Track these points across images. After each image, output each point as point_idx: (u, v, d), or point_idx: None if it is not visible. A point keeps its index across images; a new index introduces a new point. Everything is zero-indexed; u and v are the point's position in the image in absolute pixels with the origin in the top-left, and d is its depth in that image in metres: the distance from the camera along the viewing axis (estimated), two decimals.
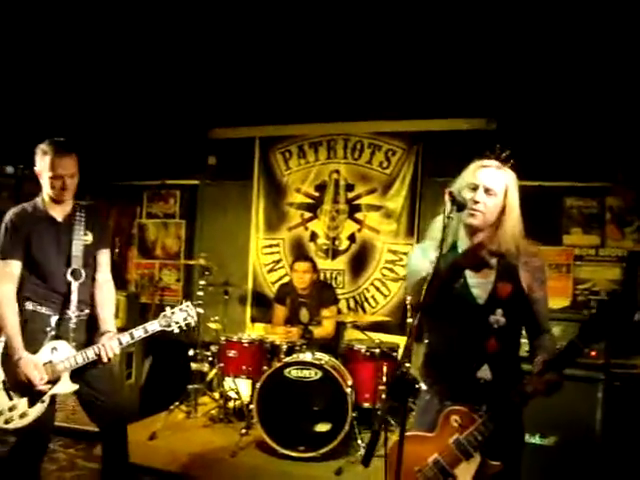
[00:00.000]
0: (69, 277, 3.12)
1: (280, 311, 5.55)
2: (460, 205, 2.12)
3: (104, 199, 6.80)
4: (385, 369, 4.66)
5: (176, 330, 3.16)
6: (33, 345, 3.03)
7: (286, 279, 5.98)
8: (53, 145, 3.11)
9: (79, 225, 3.19)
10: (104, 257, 3.33)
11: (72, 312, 3.11)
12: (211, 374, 5.37)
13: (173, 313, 3.16)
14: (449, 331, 2.26)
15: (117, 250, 6.91)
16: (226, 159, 6.48)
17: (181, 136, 6.34)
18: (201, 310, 5.31)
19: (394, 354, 4.84)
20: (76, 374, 3.08)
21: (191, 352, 5.31)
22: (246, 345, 4.91)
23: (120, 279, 6.72)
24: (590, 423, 3.64)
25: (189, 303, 3.24)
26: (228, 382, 5.27)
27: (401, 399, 1.84)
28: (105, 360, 3.06)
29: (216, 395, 5.34)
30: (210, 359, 5.28)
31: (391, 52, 5.02)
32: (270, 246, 6.35)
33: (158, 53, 5.25)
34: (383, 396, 4.51)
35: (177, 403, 5.11)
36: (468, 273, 2.25)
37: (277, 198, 6.32)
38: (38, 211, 3.18)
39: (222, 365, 5.05)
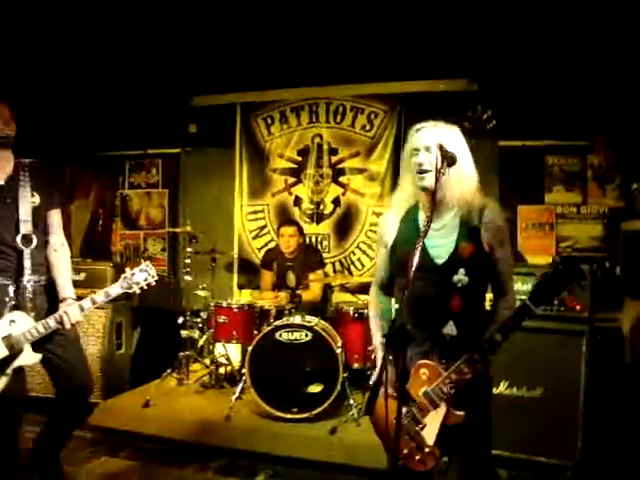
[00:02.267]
0: (19, 243, 2.98)
1: (267, 276, 5.58)
2: (450, 159, 2.17)
3: (87, 170, 6.76)
4: None
5: (137, 291, 3.05)
6: None
7: (272, 244, 6.00)
8: None
9: (24, 186, 3.02)
10: (55, 218, 3.17)
11: (27, 280, 2.99)
12: (201, 341, 5.41)
13: (133, 274, 3.04)
14: (414, 290, 2.26)
15: (101, 222, 6.88)
16: (208, 126, 6.44)
17: (162, 104, 6.24)
18: (189, 277, 5.37)
19: None
20: (40, 342, 2.98)
21: (180, 320, 5.34)
22: (236, 310, 4.93)
23: (105, 251, 6.74)
24: (575, 375, 3.71)
25: (148, 263, 3.09)
26: (218, 348, 5.31)
27: (400, 348, 1.90)
28: (68, 327, 2.96)
29: (207, 361, 5.39)
30: (200, 326, 5.31)
31: (371, 14, 4.96)
32: (255, 212, 6.35)
33: (135, 22, 5.13)
34: (372, 355, 4.56)
35: (169, 371, 5.15)
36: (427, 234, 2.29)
37: (260, 164, 6.31)
38: None
39: (212, 331, 5.07)
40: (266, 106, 6.28)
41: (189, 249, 5.41)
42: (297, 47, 5.48)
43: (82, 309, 2.99)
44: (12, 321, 2.92)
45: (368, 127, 5.93)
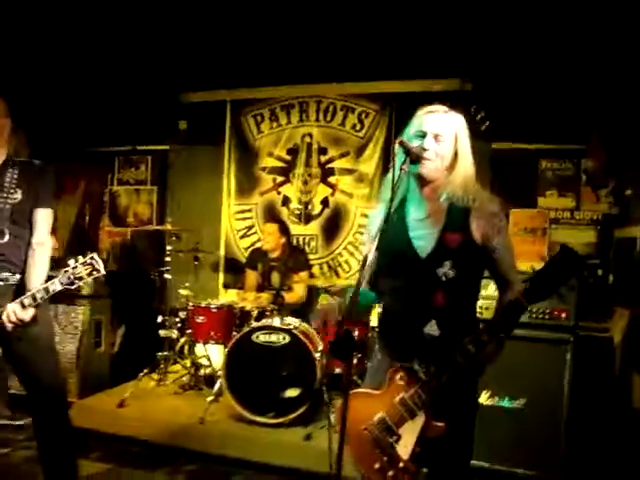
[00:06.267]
0: None
1: (251, 276, 5.48)
2: (415, 155, 2.03)
3: (75, 165, 6.66)
4: (357, 333, 4.61)
5: (81, 285, 2.82)
6: None
7: (259, 244, 5.89)
8: None
9: (9, 182, 2.93)
10: (41, 217, 3.02)
11: None
12: (181, 341, 5.30)
13: (75, 268, 2.73)
14: (397, 287, 2.16)
15: (88, 218, 6.79)
16: (197, 123, 6.33)
17: (152, 100, 6.16)
18: (168, 276, 5.27)
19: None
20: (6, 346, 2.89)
21: (159, 319, 5.23)
22: (214, 311, 4.84)
23: (91, 247, 6.61)
24: (559, 385, 3.61)
25: (94, 255, 2.78)
26: (199, 349, 5.20)
27: (344, 356, 1.78)
28: (8, 325, 2.76)
29: (187, 363, 5.28)
30: (179, 326, 5.21)
31: (364, 13, 4.88)
32: (242, 212, 6.25)
33: (126, 16, 5.05)
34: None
35: (146, 371, 5.03)
36: (411, 225, 2.16)
37: (249, 163, 6.21)
38: None
39: (190, 331, 4.99)
40: (256, 104, 6.19)
41: (169, 247, 5.30)
42: (288, 44, 5.38)
43: (23, 306, 2.76)
44: None
45: (359, 127, 5.82)
